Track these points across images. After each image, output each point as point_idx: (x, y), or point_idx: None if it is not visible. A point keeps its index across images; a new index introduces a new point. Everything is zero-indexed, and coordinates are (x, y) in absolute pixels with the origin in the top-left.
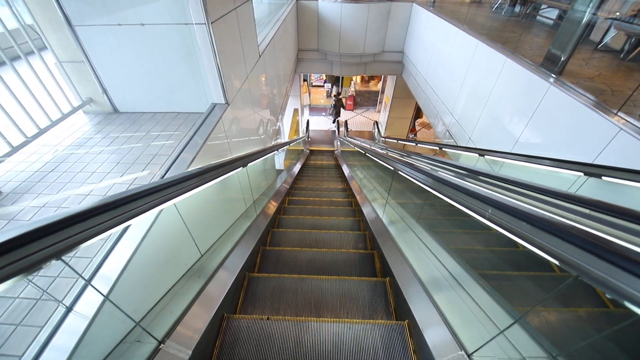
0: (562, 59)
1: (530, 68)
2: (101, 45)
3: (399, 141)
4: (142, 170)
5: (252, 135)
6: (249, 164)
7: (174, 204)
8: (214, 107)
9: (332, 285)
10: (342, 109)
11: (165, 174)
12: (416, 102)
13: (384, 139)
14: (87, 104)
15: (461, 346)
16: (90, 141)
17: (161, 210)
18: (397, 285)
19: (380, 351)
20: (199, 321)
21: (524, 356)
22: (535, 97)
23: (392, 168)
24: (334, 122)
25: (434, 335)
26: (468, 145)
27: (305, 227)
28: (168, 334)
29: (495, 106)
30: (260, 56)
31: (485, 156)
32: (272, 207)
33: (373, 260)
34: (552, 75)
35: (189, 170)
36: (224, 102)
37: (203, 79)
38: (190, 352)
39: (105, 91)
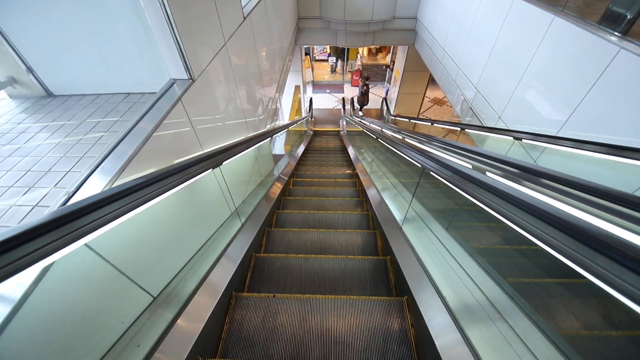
0: (628, 17)
1: (591, 28)
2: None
3: (411, 120)
4: (56, 185)
5: (234, 119)
6: (228, 161)
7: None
8: (173, 84)
9: (335, 264)
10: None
11: (71, 195)
12: (429, 76)
13: (393, 117)
14: (6, 85)
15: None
16: (4, 138)
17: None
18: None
19: (381, 325)
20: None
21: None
22: (597, 65)
23: (420, 165)
24: (360, 109)
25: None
26: (497, 127)
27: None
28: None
29: (535, 78)
30: (245, 19)
31: (524, 140)
32: (262, 212)
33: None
34: (616, 34)
35: (106, 190)
36: (186, 78)
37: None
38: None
39: (30, 69)
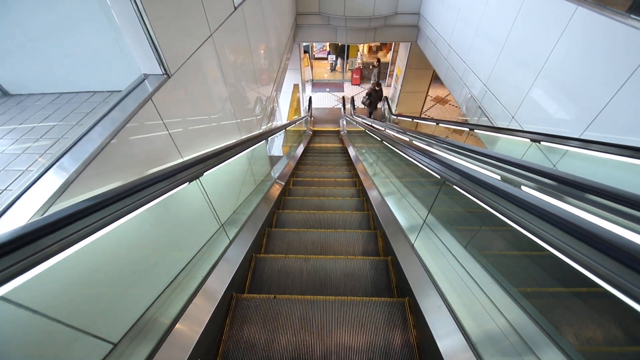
0: None
1: (621, 18)
2: None
3: (415, 120)
4: None
5: (223, 120)
6: (212, 170)
7: None
8: (144, 80)
9: (336, 265)
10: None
11: None
12: (432, 74)
13: (395, 117)
14: None
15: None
16: None
17: None
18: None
19: (382, 326)
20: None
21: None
22: (630, 59)
23: (439, 176)
24: (370, 115)
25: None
26: (510, 127)
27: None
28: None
29: (554, 74)
30: (235, 9)
31: (542, 142)
32: (256, 220)
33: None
34: None
35: (34, 222)
36: (160, 73)
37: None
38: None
39: None
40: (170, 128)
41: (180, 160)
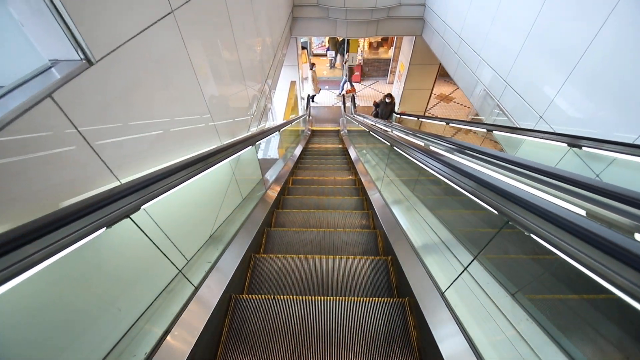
0: None
1: None
2: None
3: (420, 119)
4: None
5: (192, 124)
6: (164, 197)
7: None
8: (50, 68)
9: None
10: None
11: None
12: (437, 71)
13: (398, 115)
14: None
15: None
16: None
17: None
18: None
19: (383, 327)
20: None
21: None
22: None
23: (497, 212)
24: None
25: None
26: (538, 129)
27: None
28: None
29: (597, 66)
30: None
31: (584, 148)
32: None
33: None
34: None
35: None
36: (77, 58)
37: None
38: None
39: None
40: (94, 139)
41: (116, 184)
